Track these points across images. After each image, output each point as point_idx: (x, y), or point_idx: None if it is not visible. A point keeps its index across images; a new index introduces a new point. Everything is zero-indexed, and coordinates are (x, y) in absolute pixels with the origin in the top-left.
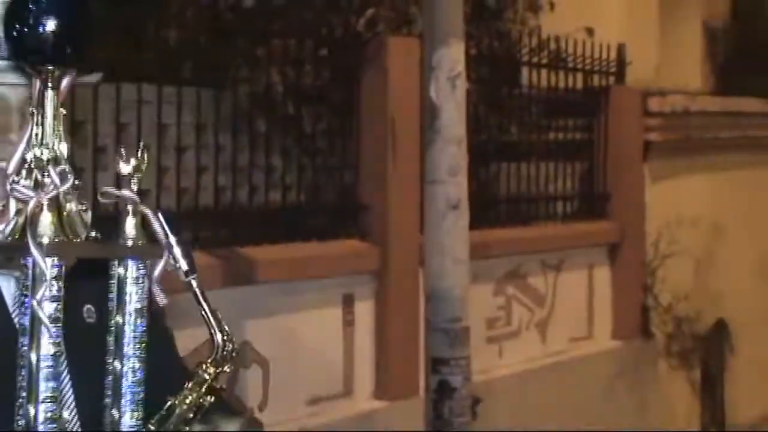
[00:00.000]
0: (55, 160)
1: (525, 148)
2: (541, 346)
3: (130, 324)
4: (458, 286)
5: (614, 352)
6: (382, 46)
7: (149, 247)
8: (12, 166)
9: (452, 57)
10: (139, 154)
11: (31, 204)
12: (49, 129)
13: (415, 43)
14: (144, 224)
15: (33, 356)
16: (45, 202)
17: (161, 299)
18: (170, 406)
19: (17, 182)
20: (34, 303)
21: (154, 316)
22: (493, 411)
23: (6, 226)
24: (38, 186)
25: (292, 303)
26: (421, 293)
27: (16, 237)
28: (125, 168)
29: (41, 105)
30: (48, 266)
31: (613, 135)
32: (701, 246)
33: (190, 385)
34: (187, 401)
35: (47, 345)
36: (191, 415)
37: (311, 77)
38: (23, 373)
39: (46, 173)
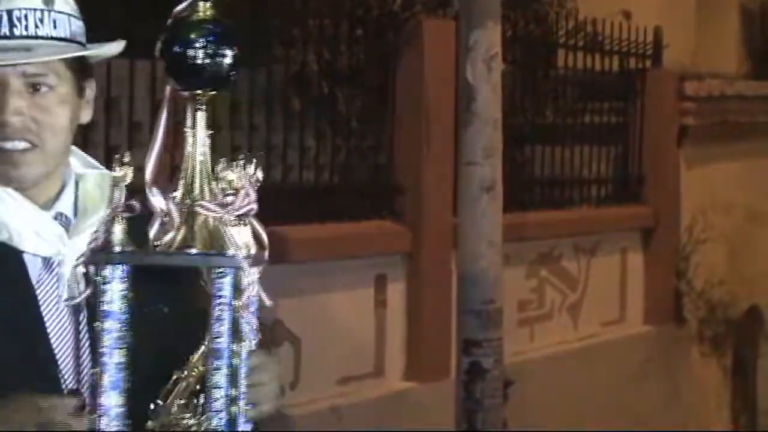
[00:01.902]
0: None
1: (560, 131)
2: (573, 329)
3: (247, 322)
4: (491, 268)
5: (646, 336)
6: (418, 27)
7: (259, 254)
8: (150, 174)
9: (489, 39)
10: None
11: (224, 218)
12: (200, 147)
13: (451, 25)
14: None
15: (236, 361)
16: (233, 217)
17: (267, 300)
18: (176, 379)
19: (200, 199)
20: (238, 306)
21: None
22: (523, 393)
23: (167, 236)
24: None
25: (325, 283)
26: (454, 275)
27: (181, 248)
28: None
29: (194, 125)
30: (252, 275)
31: (649, 119)
32: (736, 231)
33: (195, 358)
34: (194, 374)
35: (248, 348)
36: (198, 387)
37: (347, 58)
38: (223, 368)
39: (231, 191)
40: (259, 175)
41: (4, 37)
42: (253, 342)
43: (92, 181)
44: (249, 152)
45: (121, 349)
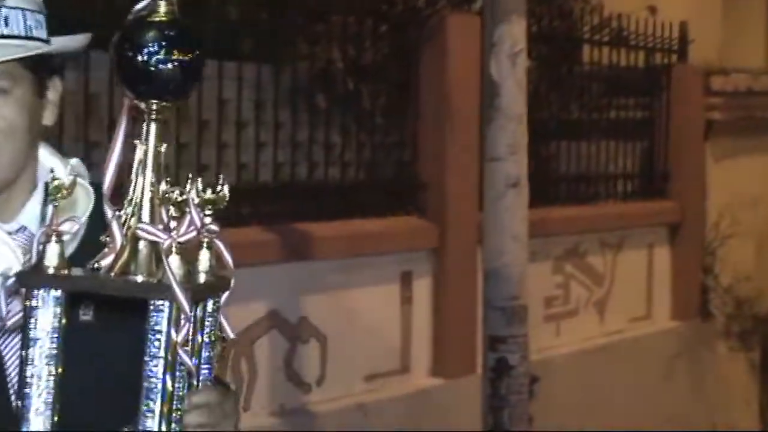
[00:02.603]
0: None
1: (585, 127)
2: (599, 325)
3: (205, 349)
4: (517, 264)
5: (673, 332)
6: (442, 23)
7: (223, 280)
8: (107, 189)
9: (513, 34)
10: (219, 186)
11: (165, 245)
12: (151, 161)
13: (476, 20)
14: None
15: (169, 385)
16: (176, 244)
17: (231, 333)
18: None
19: (142, 223)
20: (175, 343)
21: None
22: (549, 390)
23: (106, 260)
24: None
25: (350, 279)
26: (479, 271)
27: (123, 273)
28: (200, 197)
29: (147, 138)
30: (190, 309)
31: (675, 114)
32: (763, 226)
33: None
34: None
35: (180, 376)
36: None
37: (371, 54)
38: (155, 409)
39: (178, 213)
40: (226, 192)
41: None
42: (203, 378)
43: None
44: (218, 168)
45: (49, 378)
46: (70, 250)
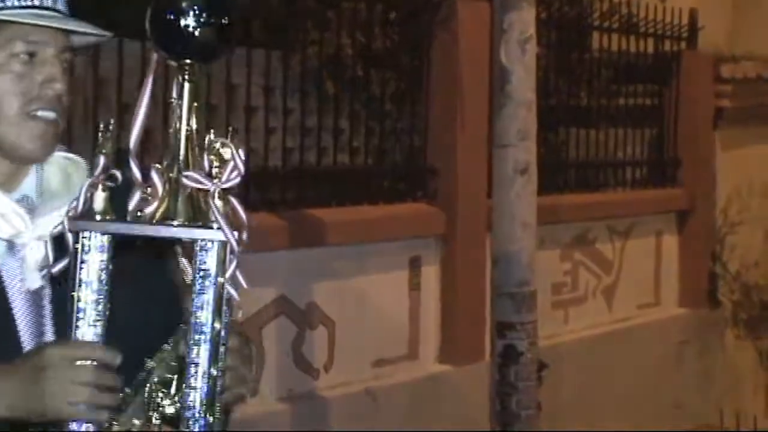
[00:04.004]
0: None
1: (594, 114)
2: (608, 312)
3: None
4: (526, 250)
5: (681, 319)
6: (453, 9)
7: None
8: (133, 144)
9: (523, 20)
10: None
11: (212, 190)
12: (186, 119)
13: (485, 7)
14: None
15: (218, 327)
16: (220, 190)
17: (244, 283)
18: (149, 368)
19: (188, 171)
20: (222, 281)
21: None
22: (557, 376)
23: (149, 207)
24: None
25: (359, 265)
26: (488, 257)
27: (164, 219)
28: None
29: (181, 96)
30: (237, 247)
31: (684, 101)
32: None
33: (170, 345)
34: (164, 364)
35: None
36: (169, 375)
37: (381, 40)
38: (203, 344)
39: (219, 162)
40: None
41: (37, 6)
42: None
43: (55, 164)
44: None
45: (97, 322)
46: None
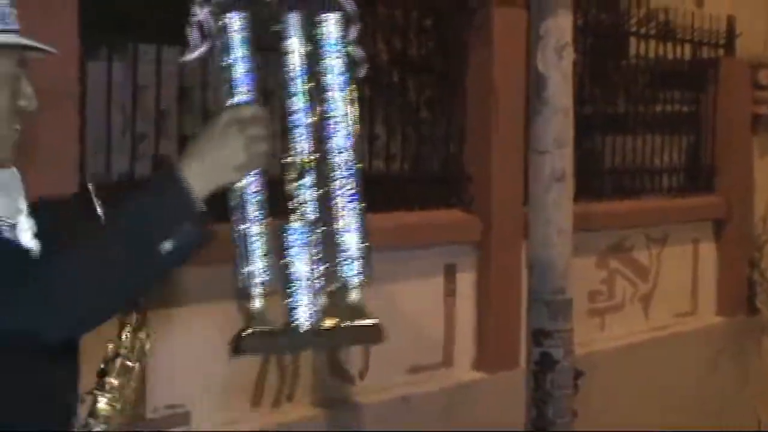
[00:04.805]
0: None
1: (631, 121)
2: (644, 320)
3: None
4: (562, 258)
5: (718, 328)
6: (489, 15)
7: None
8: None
9: (560, 27)
10: None
11: None
12: None
13: (522, 14)
14: None
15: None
16: None
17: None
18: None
19: None
20: (350, 41)
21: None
22: (593, 384)
23: None
24: None
25: (394, 271)
26: (524, 265)
27: None
28: None
29: None
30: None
31: (721, 108)
32: None
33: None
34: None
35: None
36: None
37: (417, 47)
38: (331, 92)
39: None
40: None
41: (4, 31)
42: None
43: None
44: None
45: (250, 89)
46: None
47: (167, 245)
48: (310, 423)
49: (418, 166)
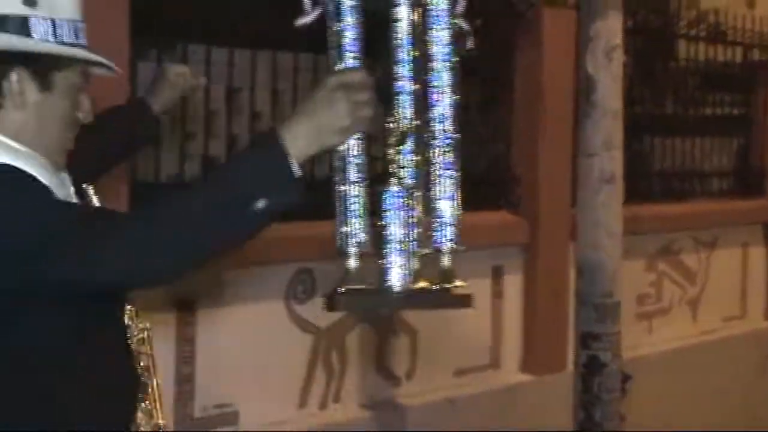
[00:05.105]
0: None
1: (680, 123)
2: (692, 324)
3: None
4: (610, 260)
5: (767, 332)
6: (538, 17)
7: None
8: None
9: (609, 29)
10: None
11: None
12: None
13: (571, 15)
14: None
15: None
16: None
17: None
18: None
19: None
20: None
21: None
22: (641, 388)
23: None
24: None
25: None
26: (571, 267)
27: None
28: None
29: None
30: None
31: None
32: None
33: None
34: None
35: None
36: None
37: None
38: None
39: None
40: None
41: (75, 45)
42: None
43: None
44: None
45: (357, 56)
46: None
47: (260, 203)
48: (356, 424)
49: (466, 168)
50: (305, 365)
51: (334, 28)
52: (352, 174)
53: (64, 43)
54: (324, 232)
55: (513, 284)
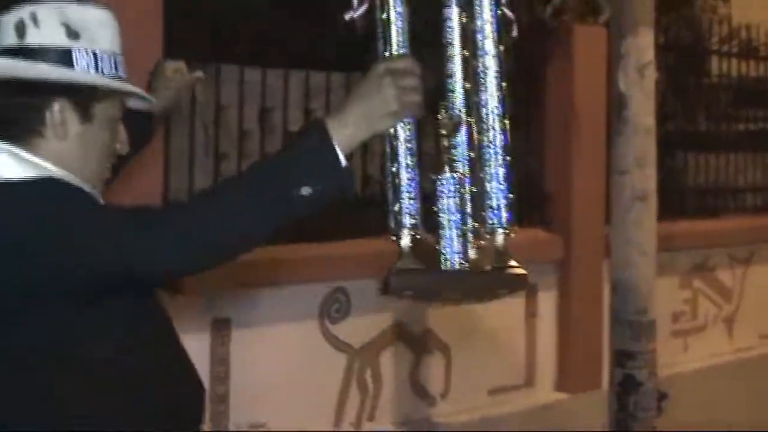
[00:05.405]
0: None
1: (714, 139)
2: (728, 341)
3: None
4: (645, 278)
5: None
6: (569, 34)
7: None
8: None
9: (641, 46)
10: None
11: None
12: None
13: (602, 32)
14: None
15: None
16: None
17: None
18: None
19: None
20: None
21: None
22: (677, 406)
23: None
24: None
25: None
26: (605, 284)
27: None
28: None
29: None
30: None
31: None
32: None
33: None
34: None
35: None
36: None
37: None
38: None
39: None
40: None
41: (114, 77)
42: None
43: None
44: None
45: (405, 50)
46: None
47: (303, 190)
48: None
49: None
50: (339, 384)
51: (382, 18)
52: (404, 158)
53: (104, 75)
54: (359, 251)
55: (547, 302)
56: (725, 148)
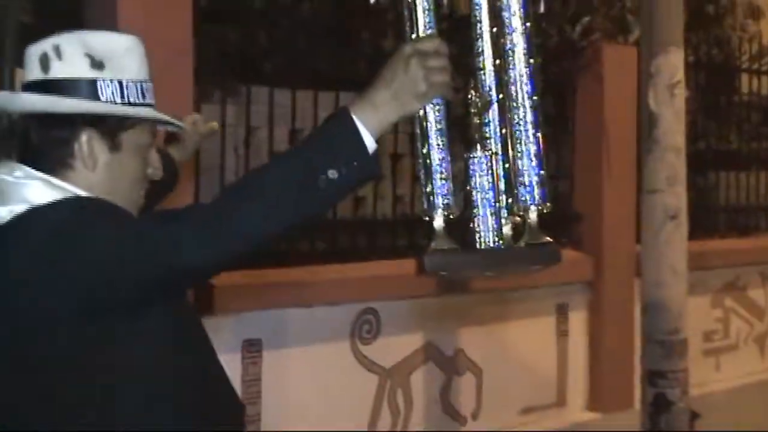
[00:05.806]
0: None
1: (744, 157)
2: (760, 360)
3: None
4: (676, 297)
5: None
6: (599, 53)
7: None
8: None
9: (671, 64)
10: None
11: None
12: None
13: (632, 51)
14: None
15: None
16: None
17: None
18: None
19: None
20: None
21: None
22: (709, 425)
23: None
24: None
25: (506, 312)
26: (636, 304)
27: None
28: None
29: None
30: None
31: None
32: None
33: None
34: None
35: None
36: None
37: None
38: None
39: None
40: None
41: (142, 104)
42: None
43: None
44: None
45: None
46: None
47: (330, 173)
48: None
49: None
50: (371, 405)
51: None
52: (435, 139)
53: (130, 104)
54: (389, 272)
55: (578, 321)
56: (756, 166)
